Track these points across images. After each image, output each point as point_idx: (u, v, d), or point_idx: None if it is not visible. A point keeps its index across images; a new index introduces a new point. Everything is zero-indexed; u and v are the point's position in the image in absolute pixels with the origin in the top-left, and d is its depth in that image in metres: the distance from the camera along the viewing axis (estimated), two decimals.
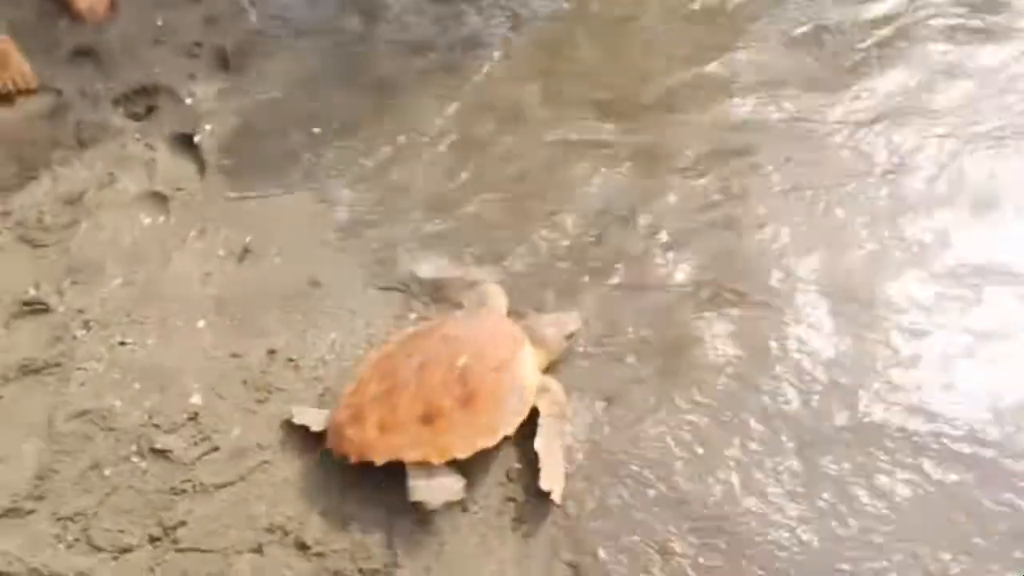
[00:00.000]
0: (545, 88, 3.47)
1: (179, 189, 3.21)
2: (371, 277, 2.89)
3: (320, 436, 2.45)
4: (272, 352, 2.70)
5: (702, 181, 3.05)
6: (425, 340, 2.41)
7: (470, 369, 2.31)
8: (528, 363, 2.41)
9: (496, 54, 3.66)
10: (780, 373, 2.51)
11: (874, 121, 3.18)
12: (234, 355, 2.70)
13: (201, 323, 2.79)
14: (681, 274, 2.78)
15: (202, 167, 3.29)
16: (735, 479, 2.31)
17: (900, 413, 2.40)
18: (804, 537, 2.19)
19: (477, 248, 2.94)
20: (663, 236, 2.89)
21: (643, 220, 2.95)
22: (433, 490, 2.25)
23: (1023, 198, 2.89)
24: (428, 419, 2.26)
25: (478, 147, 3.30)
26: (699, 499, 2.28)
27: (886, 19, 3.57)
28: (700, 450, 2.37)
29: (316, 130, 3.41)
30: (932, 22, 3.52)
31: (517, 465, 2.38)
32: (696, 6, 3.76)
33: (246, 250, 2.99)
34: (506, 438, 2.34)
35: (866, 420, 2.39)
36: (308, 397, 2.59)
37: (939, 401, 2.41)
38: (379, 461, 2.27)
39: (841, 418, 2.40)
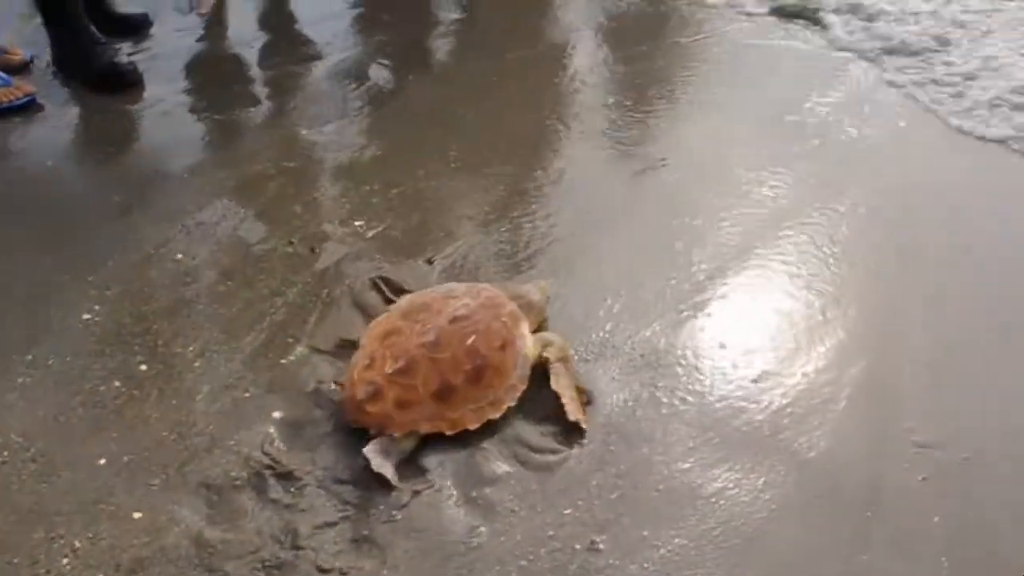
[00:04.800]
0: None
1: None
2: None
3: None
4: None
5: None
6: (434, 317, 2.57)
7: (478, 348, 2.51)
8: (527, 336, 2.64)
9: None
10: None
11: None
12: None
13: None
14: None
15: None
16: None
17: None
18: None
19: None
20: None
21: None
22: (381, 462, 2.38)
23: None
24: (442, 395, 2.45)
25: None
26: None
27: None
28: None
29: None
30: None
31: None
32: None
33: None
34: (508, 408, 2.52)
35: None
36: None
37: None
38: (398, 434, 2.43)
39: None
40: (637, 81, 4.31)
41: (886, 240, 3.33)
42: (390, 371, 2.48)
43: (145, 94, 4.07)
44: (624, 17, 4.89)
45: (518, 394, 2.55)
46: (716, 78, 4.46)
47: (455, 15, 4.67)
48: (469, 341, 2.53)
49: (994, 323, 3.00)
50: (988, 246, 3.33)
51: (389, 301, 2.89)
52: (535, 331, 2.75)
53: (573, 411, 2.54)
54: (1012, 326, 3.00)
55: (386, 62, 4.27)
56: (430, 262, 3.15)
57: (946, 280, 3.17)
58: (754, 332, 2.92)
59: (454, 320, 2.57)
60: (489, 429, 2.50)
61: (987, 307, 3.07)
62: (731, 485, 2.44)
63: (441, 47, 4.50)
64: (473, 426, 2.48)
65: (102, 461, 2.49)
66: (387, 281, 3.01)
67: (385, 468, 2.37)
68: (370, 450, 2.39)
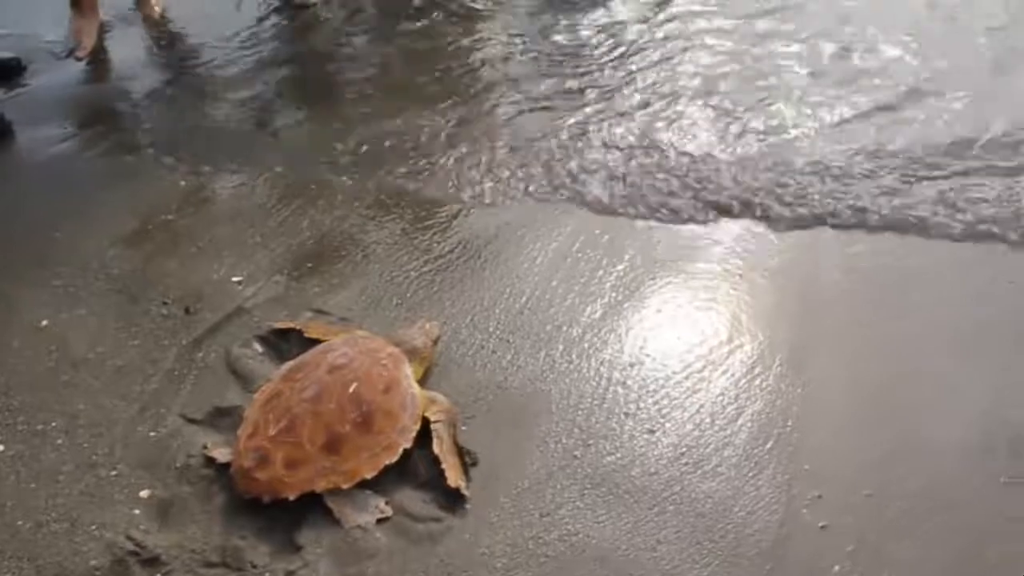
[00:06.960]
0: None
1: None
2: None
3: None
4: None
5: None
6: (312, 372, 2.51)
7: (362, 393, 2.45)
8: (411, 377, 2.59)
9: None
10: None
11: None
12: None
13: None
14: None
15: None
16: None
17: None
18: None
19: None
20: None
21: None
22: (361, 512, 2.36)
23: None
24: (332, 447, 2.38)
25: None
26: None
27: None
28: None
29: None
30: None
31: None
32: None
33: None
34: (405, 450, 2.45)
35: None
36: None
37: None
38: (292, 496, 2.34)
39: None
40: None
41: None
42: (273, 432, 2.41)
43: (15, 144, 3.86)
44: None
45: (412, 435, 2.49)
46: None
47: (372, 54, 4.55)
48: (351, 388, 2.47)
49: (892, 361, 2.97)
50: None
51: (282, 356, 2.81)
52: (423, 377, 2.69)
53: (453, 477, 2.45)
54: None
55: (282, 104, 4.14)
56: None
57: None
58: (649, 375, 2.85)
59: (333, 370, 2.51)
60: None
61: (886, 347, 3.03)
62: (623, 545, 2.37)
63: (348, 88, 4.35)
64: (370, 474, 2.40)
65: None
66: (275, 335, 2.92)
67: (364, 516, 2.37)
68: (341, 514, 2.36)
